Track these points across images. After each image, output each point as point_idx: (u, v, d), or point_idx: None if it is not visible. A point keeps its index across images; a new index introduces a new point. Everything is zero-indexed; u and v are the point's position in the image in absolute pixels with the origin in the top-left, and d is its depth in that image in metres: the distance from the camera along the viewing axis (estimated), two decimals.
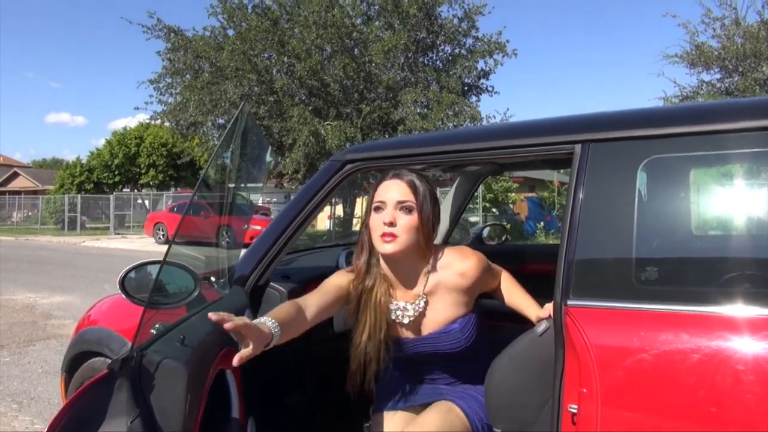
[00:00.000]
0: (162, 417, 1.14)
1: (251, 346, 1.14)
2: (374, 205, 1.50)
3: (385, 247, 1.46)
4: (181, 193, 26.03)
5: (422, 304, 1.55)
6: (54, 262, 12.40)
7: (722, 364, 1.07)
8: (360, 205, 19.80)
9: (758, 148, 1.18)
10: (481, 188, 15.43)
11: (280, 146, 14.79)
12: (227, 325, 1.08)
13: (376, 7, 15.44)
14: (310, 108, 13.81)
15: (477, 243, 2.98)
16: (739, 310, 1.11)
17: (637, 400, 1.14)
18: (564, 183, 28.69)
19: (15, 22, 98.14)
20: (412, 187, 1.47)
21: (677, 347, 1.12)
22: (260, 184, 2.40)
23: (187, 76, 15.76)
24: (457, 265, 1.53)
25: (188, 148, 19.31)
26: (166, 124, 17.09)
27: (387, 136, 14.69)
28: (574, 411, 1.21)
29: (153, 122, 18.38)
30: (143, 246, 16.96)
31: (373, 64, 14.27)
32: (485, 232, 3.11)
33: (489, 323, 2.73)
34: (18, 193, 35.53)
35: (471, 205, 14.42)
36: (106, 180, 32.46)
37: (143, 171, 31.96)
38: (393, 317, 1.56)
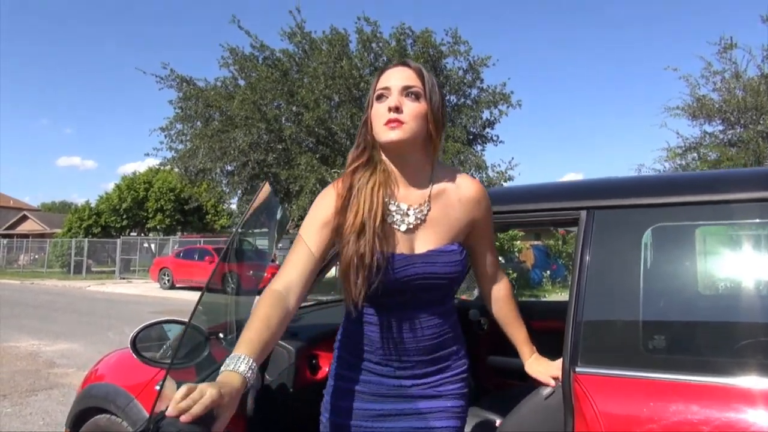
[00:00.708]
0: None
1: (224, 416, 0.94)
2: (377, 93, 1.30)
3: (389, 135, 1.25)
4: (187, 237, 26.12)
5: (425, 211, 1.30)
6: (59, 307, 12.37)
7: None
8: None
9: (762, 219, 1.21)
10: None
11: (287, 193, 14.94)
12: (184, 418, 0.87)
13: (384, 59, 15.87)
14: (317, 156, 14.02)
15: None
16: (752, 381, 1.11)
17: None
18: (570, 231, 28.71)
19: (31, 72, 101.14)
20: (419, 73, 1.30)
21: (687, 418, 1.12)
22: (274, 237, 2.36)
23: (198, 123, 16.11)
24: (463, 187, 1.34)
25: (196, 194, 19.53)
26: (176, 169, 17.38)
27: None
28: None
29: (162, 168, 18.73)
30: (147, 291, 16.92)
31: None
32: (472, 314, 2.67)
33: (496, 381, 2.70)
34: (26, 236, 35.78)
35: None
36: (114, 224, 32.72)
37: (150, 215, 32.24)
38: (389, 221, 1.29)
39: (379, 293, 1.25)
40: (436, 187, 1.32)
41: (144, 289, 17.52)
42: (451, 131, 15.13)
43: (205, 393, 0.91)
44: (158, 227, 32.84)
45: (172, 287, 17.26)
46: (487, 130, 16.95)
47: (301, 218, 14.35)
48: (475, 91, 16.49)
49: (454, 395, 1.34)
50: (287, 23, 15.89)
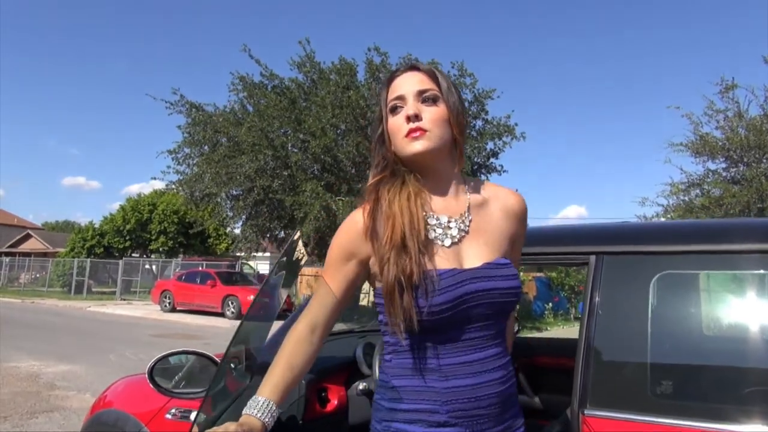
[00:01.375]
0: None
1: None
2: (390, 105, 1.17)
3: (414, 146, 1.12)
4: (189, 260, 26.13)
5: (467, 222, 1.17)
6: (59, 328, 12.34)
7: None
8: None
9: (764, 269, 1.25)
10: None
11: (291, 219, 15.03)
12: None
13: None
14: (322, 183, 14.14)
15: None
16: (757, 428, 1.14)
17: None
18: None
19: (39, 91, 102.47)
20: (432, 75, 1.18)
21: None
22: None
23: (205, 148, 16.29)
24: (505, 197, 1.22)
25: (200, 218, 19.63)
26: (181, 192, 17.52)
27: None
28: None
29: (168, 190, 18.85)
30: (148, 313, 16.88)
31: None
32: None
33: None
34: (28, 254, 35.82)
35: None
36: (117, 245, 32.75)
37: (154, 237, 32.28)
38: (431, 236, 1.14)
39: (433, 318, 1.07)
40: (475, 196, 1.20)
41: (145, 311, 17.47)
42: None
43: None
44: (161, 249, 32.87)
45: (173, 310, 17.22)
46: (492, 160, 17.12)
47: (305, 245, 14.41)
48: (479, 123, 16.70)
49: None
50: (296, 52, 16.22)
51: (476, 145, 16.21)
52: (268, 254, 25.46)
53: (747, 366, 1.31)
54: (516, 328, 3.24)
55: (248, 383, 1.84)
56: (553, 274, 21.09)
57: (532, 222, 1.40)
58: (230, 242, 32.37)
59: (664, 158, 17.28)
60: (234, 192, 16.06)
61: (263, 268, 28.31)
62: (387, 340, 1.17)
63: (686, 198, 13.58)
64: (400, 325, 1.08)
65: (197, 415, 1.34)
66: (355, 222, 1.17)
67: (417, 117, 1.13)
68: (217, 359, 1.71)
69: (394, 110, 1.17)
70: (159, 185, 23.21)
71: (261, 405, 1.07)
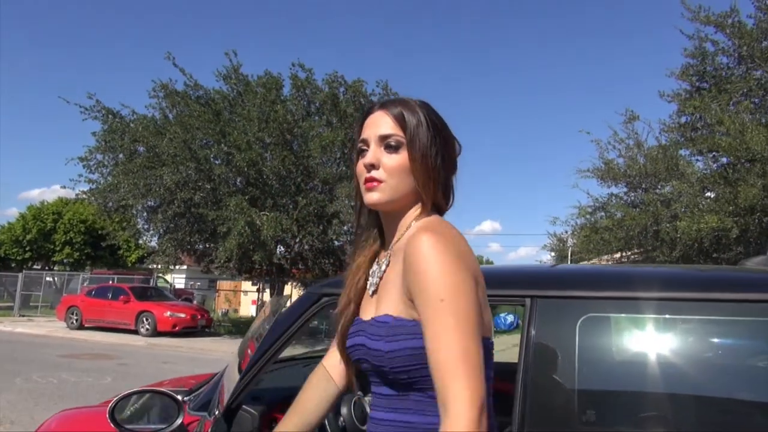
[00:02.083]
0: None
1: None
2: (357, 147, 1.15)
3: (368, 197, 1.09)
4: (98, 273, 24.72)
5: (384, 267, 1.12)
6: None
7: None
8: (290, 290, 19.62)
9: (683, 315, 1.51)
10: None
11: (212, 233, 14.69)
12: None
13: (317, 104, 16.24)
14: (246, 197, 13.96)
15: None
16: None
17: None
18: None
19: None
20: (400, 118, 1.09)
21: None
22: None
23: (120, 156, 15.63)
24: (409, 239, 1.02)
25: (113, 230, 18.72)
26: (92, 202, 16.68)
27: (322, 228, 14.97)
28: None
29: (79, 199, 17.89)
30: (53, 331, 15.84)
31: (312, 158, 14.80)
32: None
33: None
34: None
35: None
36: (15, 256, 30.43)
37: (58, 248, 30.28)
38: (368, 284, 1.16)
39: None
40: (399, 242, 1.10)
41: (49, 328, 16.37)
42: None
43: None
44: (65, 261, 30.88)
45: (81, 327, 16.24)
46: None
47: (228, 260, 14.12)
48: None
49: None
50: (221, 63, 16.01)
51: None
52: (185, 267, 24.57)
53: (655, 394, 1.56)
54: None
55: (205, 417, 1.91)
56: None
57: None
58: (143, 254, 31.05)
59: (572, 183, 18.52)
60: (150, 203, 15.52)
61: (179, 282, 27.33)
62: None
63: (592, 219, 14.63)
64: None
65: None
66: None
67: (373, 166, 1.09)
68: (177, 397, 1.76)
69: (360, 152, 1.13)
70: (62, 192, 21.94)
71: None
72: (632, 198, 13.76)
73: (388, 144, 1.09)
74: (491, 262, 55.35)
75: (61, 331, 15.83)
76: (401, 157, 1.08)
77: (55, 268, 31.55)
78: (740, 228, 10.44)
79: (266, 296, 18.51)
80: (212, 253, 15.36)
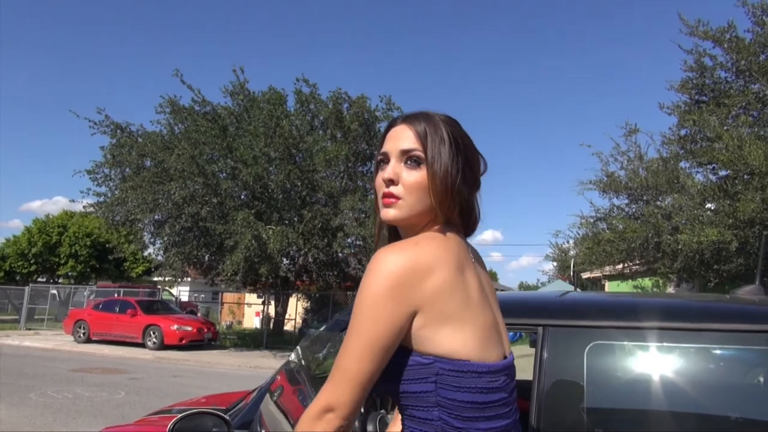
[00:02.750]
0: None
1: None
2: (378, 158, 1.13)
3: (385, 213, 1.08)
4: (103, 286, 24.88)
5: None
6: None
7: None
8: (293, 305, 19.81)
9: (680, 343, 1.70)
10: None
11: (219, 247, 14.90)
12: None
13: (321, 118, 16.50)
14: (252, 211, 14.17)
15: None
16: None
17: None
18: (502, 289, 29.93)
19: None
20: (422, 133, 1.08)
21: None
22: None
23: (127, 170, 15.87)
24: None
25: (120, 244, 18.94)
26: (99, 215, 16.92)
27: (326, 241, 15.16)
28: None
29: (87, 213, 18.12)
30: (61, 344, 15.98)
31: (316, 172, 15.03)
32: None
33: None
34: None
35: None
36: (20, 269, 30.63)
37: (63, 261, 30.48)
38: None
39: None
40: None
41: (57, 342, 16.52)
42: None
43: None
44: (70, 274, 31.07)
45: (88, 341, 16.41)
46: None
47: (234, 273, 14.29)
48: None
49: None
50: (228, 79, 16.26)
51: None
52: (188, 279, 24.72)
53: (655, 412, 1.74)
54: None
55: None
56: None
57: None
58: (148, 266, 31.22)
59: (576, 192, 18.70)
60: (157, 217, 15.74)
61: (184, 294, 27.48)
62: None
63: (594, 230, 14.81)
64: None
65: None
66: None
67: (392, 182, 1.08)
68: (227, 418, 1.91)
69: (380, 165, 1.12)
70: (64, 203, 22.11)
71: None
72: (633, 210, 13.95)
73: (408, 159, 1.08)
74: (494, 273, 55.33)
75: (68, 344, 15.97)
76: (420, 175, 1.07)
77: (59, 281, 31.75)
78: (740, 241, 10.60)
79: (271, 309, 18.65)
80: (219, 266, 15.56)
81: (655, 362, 1.77)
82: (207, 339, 16.10)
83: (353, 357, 0.98)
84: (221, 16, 76.59)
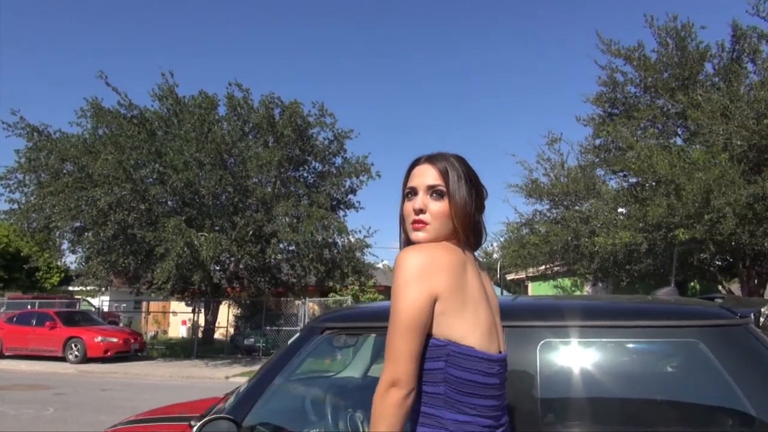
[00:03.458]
0: None
1: None
2: (405, 190, 1.41)
3: (416, 235, 1.36)
4: (14, 298, 23.30)
5: None
6: None
7: None
8: (224, 312, 19.42)
9: (614, 338, 2.00)
10: (350, 302, 16.16)
11: (147, 254, 14.44)
12: None
13: (250, 124, 16.36)
14: (183, 218, 13.85)
15: None
16: None
17: None
18: None
19: None
20: (444, 172, 1.37)
21: None
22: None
23: (43, 176, 15.08)
24: None
25: (35, 254, 17.89)
26: (12, 222, 15.96)
27: (260, 247, 15.05)
28: None
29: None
30: None
31: (248, 179, 14.89)
32: None
33: None
34: None
35: None
36: None
37: None
38: None
39: None
40: None
41: None
42: (315, 197, 15.90)
43: None
44: None
45: (1, 356, 15.38)
46: (350, 196, 17.97)
47: (165, 282, 13.91)
48: (339, 160, 17.54)
49: None
50: (156, 82, 15.83)
51: (335, 182, 17.01)
52: (111, 289, 23.64)
53: (597, 398, 2.04)
54: None
55: None
56: None
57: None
58: (63, 276, 29.52)
59: (503, 198, 19.59)
60: (78, 224, 15.04)
61: (105, 305, 26.18)
62: None
63: (519, 234, 15.62)
64: None
65: None
66: None
67: (422, 211, 1.36)
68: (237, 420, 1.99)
69: (408, 196, 1.40)
70: None
71: None
72: (555, 214, 14.84)
73: (433, 192, 1.36)
74: None
75: None
76: (444, 205, 1.35)
77: None
78: (649, 243, 11.57)
79: (201, 317, 18.23)
80: (147, 275, 15.07)
81: (595, 356, 2.08)
82: (134, 350, 15.53)
83: (398, 337, 1.24)
84: (150, 17, 73.39)
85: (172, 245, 12.63)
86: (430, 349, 1.27)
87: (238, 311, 20.59)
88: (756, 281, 14.36)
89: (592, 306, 2.26)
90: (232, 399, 2.50)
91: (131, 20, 72.03)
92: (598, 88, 14.53)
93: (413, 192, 1.39)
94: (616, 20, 65.33)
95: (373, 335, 3.05)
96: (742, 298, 8.48)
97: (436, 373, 1.28)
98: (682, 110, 12.57)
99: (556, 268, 17.11)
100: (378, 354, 3.35)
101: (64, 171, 14.73)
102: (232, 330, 19.47)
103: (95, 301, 24.06)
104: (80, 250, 15.71)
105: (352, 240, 16.49)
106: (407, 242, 1.42)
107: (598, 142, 14.79)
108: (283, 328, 16.76)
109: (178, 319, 26.46)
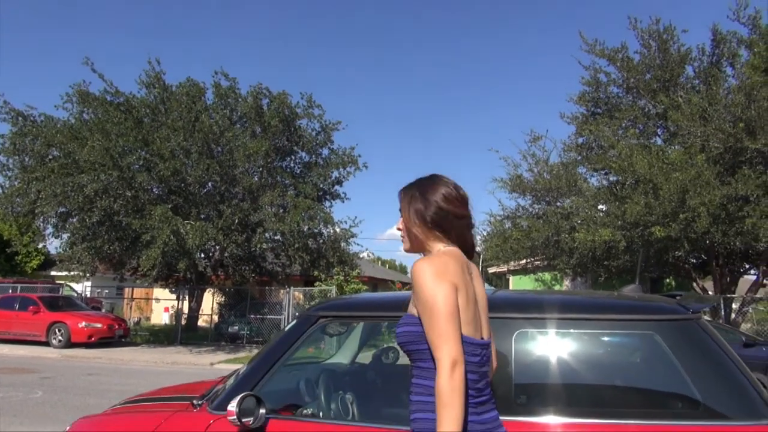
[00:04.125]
0: None
1: None
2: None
3: (402, 246, 1.80)
4: None
5: None
6: None
7: None
8: (207, 300, 19.52)
9: (582, 330, 2.23)
10: (335, 292, 16.33)
11: (133, 241, 14.48)
12: None
13: (238, 113, 16.41)
14: (170, 206, 13.90)
15: None
16: (551, 419, 2.07)
17: None
18: (406, 284, 30.74)
19: None
20: (400, 196, 1.77)
21: None
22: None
23: (27, 160, 14.99)
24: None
25: (17, 238, 17.79)
26: None
27: (246, 236, 15.16)
28: None
29: None
30: None
31: (236, 168, 14.97)
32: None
33: None
34: None
35: None
36: None
37: None
38: None
39: None
40: None
41: None
42: (302, 188, 16.04)
43: None
44: None
45: None
46: (336, 187, 18.12)
47: (151, 269, 13.96)
48: (326, 152, 17.65)
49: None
50: (143, 69, 15.74)
51: (322, 173, 17.15)
52: (95, 275, 23.55)
53: (567, 384, 2.27)
54: None
55: None
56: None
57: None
58: (44, 260, 29.30)
59: (489, 190, 19.89)
60: (63, 209, 15.00)
61: (88, 290, 26.06)
62: None
63: (502, 228, 15.91)
64: None
65: None
66: None
67: (399, 229, 1.79)
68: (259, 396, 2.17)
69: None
70: None
71: None
72: (537, 210, 15.16)
73: (400, 211, 1.77)
74: (404, 268, 56.56)
75: None
76: (402, 221, 1.77)
77: None
78: (627, 240, 11.92)
79: (185, 304, 18.30)
80: (132, 261, 15.10)
81: (566, 345, 2.31)
82: (118, 336, 15.59)
83: (446, 323, 1.49)
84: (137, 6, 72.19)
85: (159, 233, 12.70)
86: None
87: (222, 299, 20.69)
88: (728, 279, 14.85)
89: (562, 300, 2.49)
90: (232, 381, 2.69)
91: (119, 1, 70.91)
92: (582, 88, 14.83)
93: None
94: (604, 20, 65.86)
95: (361, 323, 3.28)
96: (699, 295, 8.85)
97: (429, 352, 1.53)
98: (663, 111, 12.92)
99: (536, 263, 17.45)
100: (365, 343, 3.57)
101: (50, 156, 14.68)
102: (216, 317, 19.56)
103: (78, 287, 23.97)
104: (64, 235, 15.69)
105: (338, 230, 16.67)
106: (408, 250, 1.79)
107: (580, 140, 15.10)
108: (268, 317, 16.91)
109: (161, 305, 26.47)
